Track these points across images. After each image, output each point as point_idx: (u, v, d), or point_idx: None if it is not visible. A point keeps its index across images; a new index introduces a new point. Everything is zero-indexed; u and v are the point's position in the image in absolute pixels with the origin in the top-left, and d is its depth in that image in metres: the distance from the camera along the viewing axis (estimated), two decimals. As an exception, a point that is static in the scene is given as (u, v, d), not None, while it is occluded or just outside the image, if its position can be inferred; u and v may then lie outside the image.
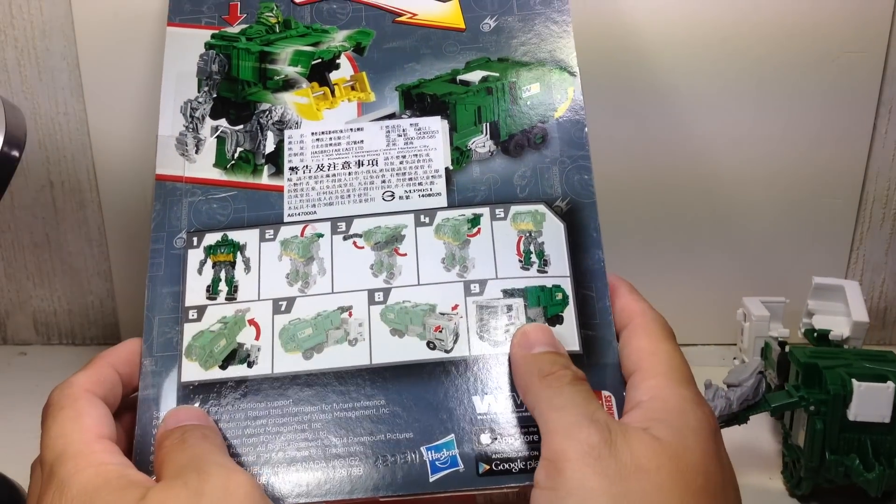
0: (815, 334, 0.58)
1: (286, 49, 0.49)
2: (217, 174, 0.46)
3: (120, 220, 0.66)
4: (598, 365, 0.41)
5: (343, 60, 0.48)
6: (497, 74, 0.48)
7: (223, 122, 0.47)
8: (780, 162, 0.64)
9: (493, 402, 0.40)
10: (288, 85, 0.48)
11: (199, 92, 0.48)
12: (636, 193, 0.65)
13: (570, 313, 0.42)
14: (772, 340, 0.58)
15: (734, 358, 0.64)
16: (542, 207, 0.44)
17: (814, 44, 0.61)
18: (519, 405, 0.40)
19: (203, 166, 0.46)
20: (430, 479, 0.39)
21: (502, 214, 0.44)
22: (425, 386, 0.41)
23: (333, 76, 0.48)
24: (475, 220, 0.44)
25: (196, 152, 0.47)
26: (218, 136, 0.47)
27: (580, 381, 0.38)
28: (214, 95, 0.48)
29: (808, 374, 0.51)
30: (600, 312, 0.42)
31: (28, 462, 0.40)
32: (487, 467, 0.39)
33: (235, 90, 0.48)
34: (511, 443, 0.39)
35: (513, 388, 0.40)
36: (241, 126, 0.47)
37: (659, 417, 0.37)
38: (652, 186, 0.65)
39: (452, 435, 0.40)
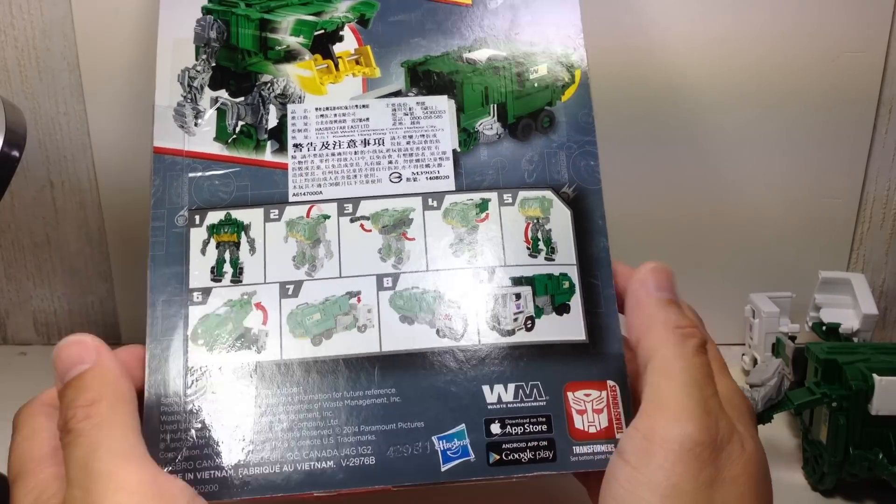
0: (824, 328, 0.59)
1: (287, 17, 0.47)
2: (218, 149, 0.45)
3: (120, 220, 0.65)
4: (602, 354, 0.42)
5: (347, 32, 0.47)
6: (504, 54, 0.47)
7: (223, 94, 0.46)
8: (779, 162, 0.65)
9: (503, 392, 0.41)
10: (290, 56, 0.47)
11: (196, 60, 0.46)
12: (640, 194, 0.65)
13: (576, 302, 0.43)
14: (783, 336, 0.59)
15: (743, 355, 0.65)
16: (549, 193, 0.44)
17: (814, 44, 0.61)
18: (528, 394, 0.41)
19: (203, 140, 0.45)
20: (442, 469, 0.40)
21: (510, 200, 0.44)
22: (436, 374, 0.41)
23: (337, 49, 0.47)
24: (483, 205, 0.44)
25: (195, 124, 0.45)
26: (218, 108, 0.45)
27: (703, 351, 0.37)
28: (213, 64, 0.46)
29: (827, 370, 0.52)
30: (605, 301, 0.43)
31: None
32: (498, 457, 0.40)
33: (235, 59, 0.46)
34: (520, 433, 0.40)
35: (522, 378, 0.41)
36: (242, 98, 0.46)
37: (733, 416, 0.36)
38: (655, 187, 0.66)
39: (463, 425, 0.40)
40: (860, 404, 0.50)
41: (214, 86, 0.46)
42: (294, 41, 0.47)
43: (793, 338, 0.60)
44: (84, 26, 0.60)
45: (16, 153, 0.43)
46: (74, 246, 0.67)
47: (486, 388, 0.41)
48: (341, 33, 0.47)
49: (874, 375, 0.49)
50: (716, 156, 0.64)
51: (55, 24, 0.61)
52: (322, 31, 0.47)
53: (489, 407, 0.41)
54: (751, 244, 0.67)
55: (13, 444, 0.38)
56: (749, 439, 0.36)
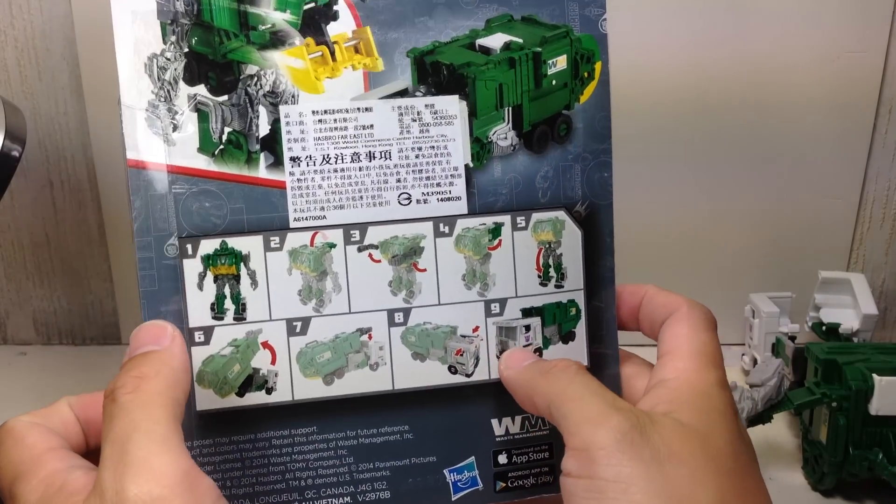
0: (824, 328, 0.59)
1: (270, -16, 0.39)
2: (204, 162, 0.39)
3: (120, 220, 0.63)
4: (602, 375, 0.43)
5: (342, 7, 0.40)
6: (521, 41, 0.42)
7: (202, 90, 0.39)
8: (779, 162, 0.63)
9: (510, 424, 0.43)
10: (277, 40, 0.40)
11: (164, 43, 0.39)
12: (640, 194, 0.63)
13: (581, 328, 0.43)
14: (783, 336, 0.59)
15: (743, 355, 0.66)
16: (562, 214, 0.43)
17: (814, 44, 0.59)
18: (533, 424, 0.43)
19: (186, 151, 0.39)
20: (453, 499, 0.42)
21: (523, 223, 0.42)
22: (447, 410, 0.42)
23: (332, 30, 0.40)
24: (496, 231, 0.42)
25: (173, 130, 0.39)
26: (198, 109, 0.39)
27: (585, 370, 0.39)
28: (186, 49, 0.39)
29: (827, 370, 0.52)
30: (607, 324, 0.44)
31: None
32: (504, 485, 0.43)
33: (212, 43, 0.39)
34: (525, 461, 0.43)
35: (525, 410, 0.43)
36: (226, 97, 0.39)
37: (684, 398, 0.38)
38: (655, 187, 0.64)
39: (473, 457, 0.42)
40: (860, 404, 0.51)
41: (190, 80, 0.39)
42: (280, 18, 0.40)
43: (793, 338, 0.60)
44: (84, 26, 0.58)
45: (16, 153, 0.43)
46: (74, 246, 0.65)
47: (494, 422, 0.43)
48: (336, 8, 0.40)
49: (874, 375, 0.50)
50: (715, 156, 0.63)
51: (55, 24, 0.58)
52: (313, 5, 0.40)
53: (497, 439, 0.43)
54: (751, 244, 0.67)
55: None
56: (698, 421, 0.37)
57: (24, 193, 0.64)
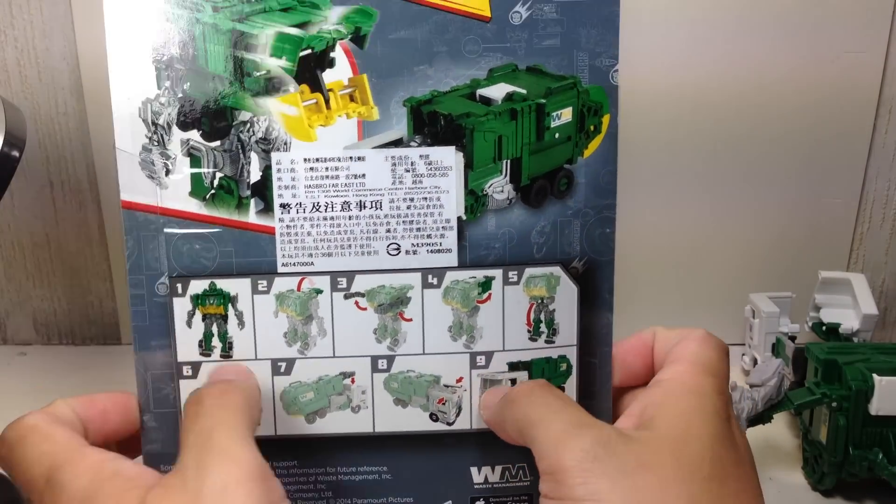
0: (824, 328, 0.58)
1: (266, 30, 0.39)
2: (195, 206, 0.40)
3: (120, 220, 0.62)
4: (589, 431, 0.43)
5: (339, 54, 0.39)
6: (524, 92, 0.40)
7: (195, 135, 0.39)
8: (779, 162, 0.62)
9: (490, 474, 0.43)
10: (271, 87, 0.39)
11: (159, 88, 0.39)
12: (640, 194, 0.63)
13: (571, 384, 0.43)
14: (783, 336, 0.58)
15: (743, 355, 0.65)
16: (557, 270, 0.42)
17: (814, 44, 0.58)
18: (514, 475, 0.43)
19: (178, 194, 0.40)
20: (427, 541, 0.43)
21: (515, 278, 0.41)
22: (426, 455, 0.43)
23: (328, 77, 0.39)
24: (486, 284, 0.41)
25: (166, 174, 0.40)
26: (191, 154, 0.39)
27: (548, 388, 0.38)
28: (180, 94, 0.39)
29: (827, 370, 0.51)
30: (600, 380, 0.43)
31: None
32: (480, 531, 0.43)
33: (206, 88, 0.39)
34: (503, 509, 0.43)
35: (509, 460, 0.43)
36: (219, 143, 0.39)
37: (674, 396, 0.38)
38: (655, 187, 0.63)
39: (450, 502, 0.43)
40: (860, 404, 0.50)
41: (184, 124, 0.39)
42: (275, 64, 0.39)
43: (793, 338, 0.59)
44: (84, 26, 0.58)
45: (16, 153, 0.44)
46: (74, 246, 0.66)
47: (474, 470, 0.43)
48: (332, 55, 0.39)
49: (874, 375, 0.49)
50: (715, 156, 0.62)
51: (55, 24, 0.59)
52: (309, 52, 0.39)
53: (475, 486, 0.43)
54: (751, 244, 0.66)
55: (25, 447, 0.37)
56: (676, 424, 0.37)
57: (24, 193, 0.66)
